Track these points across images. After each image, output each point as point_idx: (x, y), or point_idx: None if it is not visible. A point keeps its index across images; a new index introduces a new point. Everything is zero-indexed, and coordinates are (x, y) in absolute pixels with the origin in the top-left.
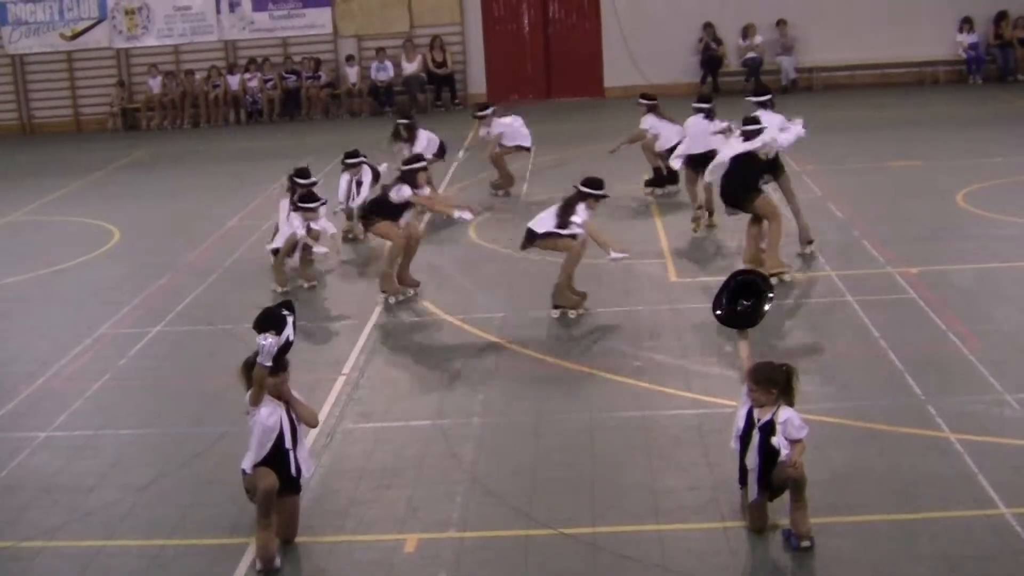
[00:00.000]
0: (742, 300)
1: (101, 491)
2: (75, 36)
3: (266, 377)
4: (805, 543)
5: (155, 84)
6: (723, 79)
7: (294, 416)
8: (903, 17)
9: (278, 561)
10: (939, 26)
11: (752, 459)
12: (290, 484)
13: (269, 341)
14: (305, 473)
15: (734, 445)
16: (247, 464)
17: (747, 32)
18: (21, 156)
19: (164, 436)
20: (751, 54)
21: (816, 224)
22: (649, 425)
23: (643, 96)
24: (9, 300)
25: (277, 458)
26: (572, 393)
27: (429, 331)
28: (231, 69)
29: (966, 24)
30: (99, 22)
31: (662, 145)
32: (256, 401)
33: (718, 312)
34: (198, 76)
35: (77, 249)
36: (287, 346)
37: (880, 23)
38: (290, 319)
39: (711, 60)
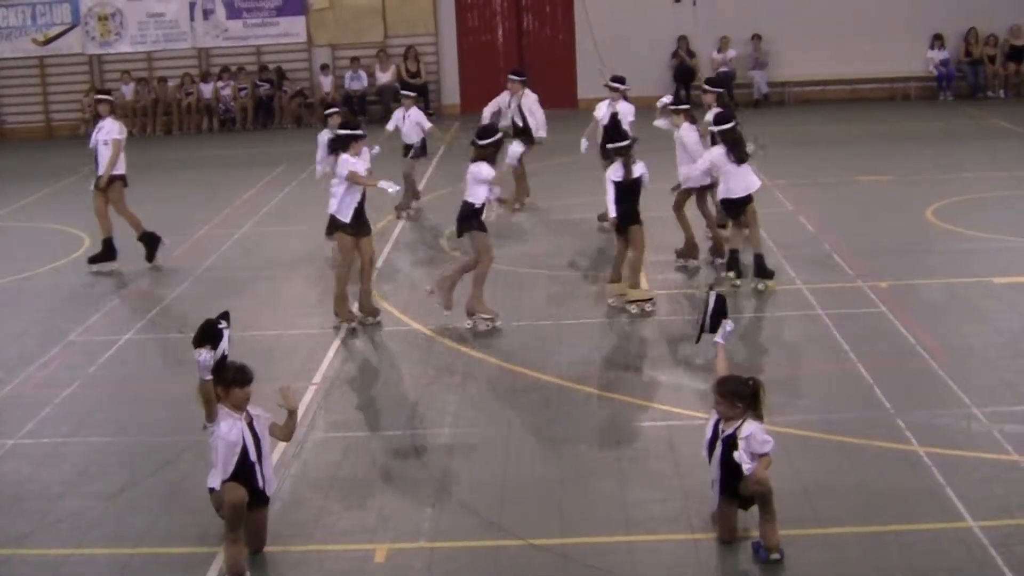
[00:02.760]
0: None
1: (69, 499)
2: (47, 41)
3: (212, 392)
4: (774, 555)
5: (128, 91)
6: (696, 92)
7: (258, 429)
8: (875, 33)
9: (247, 575)
10: (911, 42)
11: (714, 470)
12: (257, 497)
13: (204, 356)
14: (269, 489)
15: (704, 453)
16: (215, 482)
17: (721, 46)
18: None
19: (133, 444)
20: (724, 68)
21: (787, 238)
22: (620, 436)
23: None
24: None
25: (243, 472)
26: (543, 404)
27: (400, 341)
28: (204, 77)
29: (937, 40)
30: (72, 28)
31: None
32: (210, 416)
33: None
34: (171, 83)
35: (47, 256)
36: (224, 359)
37: (852, 39)
38: (226, 332)
39: (684, 73)
